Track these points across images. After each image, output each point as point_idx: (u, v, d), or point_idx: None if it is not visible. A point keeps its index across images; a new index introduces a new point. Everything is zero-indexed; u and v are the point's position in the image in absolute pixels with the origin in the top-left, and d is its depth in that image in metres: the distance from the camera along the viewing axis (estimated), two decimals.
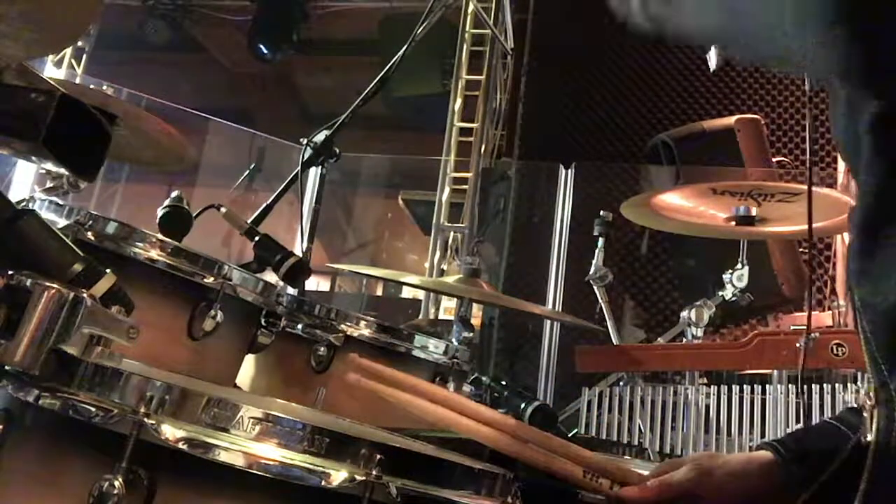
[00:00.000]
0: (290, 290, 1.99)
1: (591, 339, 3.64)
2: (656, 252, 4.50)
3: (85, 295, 0.95)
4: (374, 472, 0.90)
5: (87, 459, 0.92)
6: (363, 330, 1.87)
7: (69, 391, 0.93)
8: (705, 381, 2.94)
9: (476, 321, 4.42)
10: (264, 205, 2.34)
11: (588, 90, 5.15)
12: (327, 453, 0.92)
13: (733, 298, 3.06)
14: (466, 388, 2.09)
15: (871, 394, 0.80)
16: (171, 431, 0.88)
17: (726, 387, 2.71)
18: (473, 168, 6.00)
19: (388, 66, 2.47)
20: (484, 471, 1.05)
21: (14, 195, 1.43)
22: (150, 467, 0.88)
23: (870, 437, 0.79)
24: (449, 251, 5.89)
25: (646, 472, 1.10)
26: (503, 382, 2.07)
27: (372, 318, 1.92)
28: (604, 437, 2.80)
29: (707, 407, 2.71)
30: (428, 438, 1.31)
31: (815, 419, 2.57)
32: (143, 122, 2.08)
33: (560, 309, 4.28)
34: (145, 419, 0.88)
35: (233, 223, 1.94)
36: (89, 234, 1.50)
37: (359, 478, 0.90)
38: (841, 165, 3.94)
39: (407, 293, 7.72)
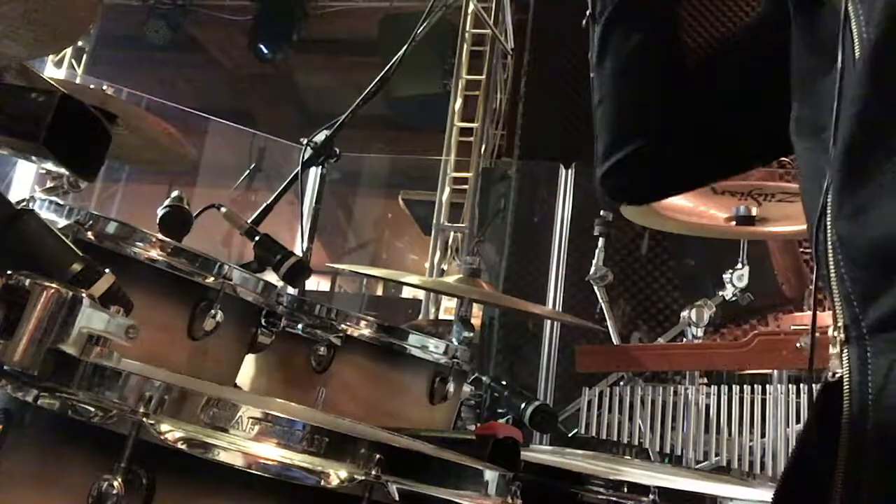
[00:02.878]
0: (291, 290, 1.99)
1: (592, 339, 3.64)
2: (656, 252, 4.50)
3: (84, 294, 0.95)
4: (373, 472, 0.90)
5: (87, 459, 0.92)
6: (363, 330, 1.87)
7: (68, 391, 0.93)
8: (705, 381, 2.94)
9: (476, 321, 4.42)
10: (264, 205, 2.34)
11: (588, 90, 5.14)
12: (327, 453, 0.92)
13: (733, 298, 3.06)
14: (466, 388, 2.09)
15: (841, 332, 0.77)
16: (170, 431, 0.88)
17: (726, 387, 2.71)
18: (473, 168, 6.00)
19: (388, 66, 2.47)
20: (484, 471, 1.05)
21: (14, 195, 1.43)
22: (150, 467, 0.88)
23: (839, 374, 0.77)
24: (449, 251, 5.89)
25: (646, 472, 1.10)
26: (503, 382, 2.07)
27: (372, 318, 1.92)
28: (604, 437, 2.80)
29: (707, 407, 2.71)
30: (428, 438, 1.31)
31: None
32: (143, 122, 2.08)
33: (560, 309, 4.28)
34: (144, 419, 0.88)
35: (233, 223, 1.94)
36: (89, 234, 1.50)
37: (358, 478, 0.90)
38: None
39: (407, 293, 7.72)
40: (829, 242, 0.76)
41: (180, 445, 0.88)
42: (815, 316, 0.90)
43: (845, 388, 0.75)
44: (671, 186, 1.15)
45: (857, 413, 0.73)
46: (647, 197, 1.24)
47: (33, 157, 1.11)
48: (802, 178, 0.86)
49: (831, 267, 0.76)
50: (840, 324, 0.77)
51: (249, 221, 2.01)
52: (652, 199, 1.32)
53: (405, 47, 2.44)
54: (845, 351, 0.76)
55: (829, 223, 0.76)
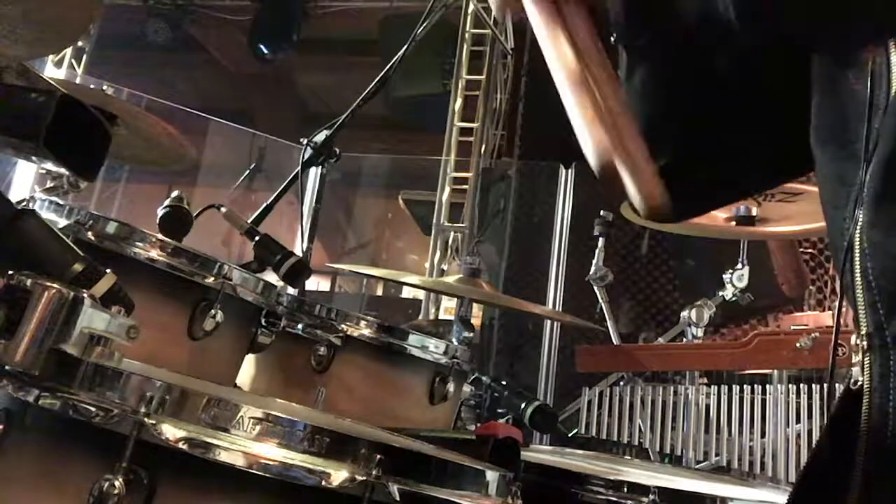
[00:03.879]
0: (291, 290, 1.99)
1: (592, 339, 3.64)
2: (656, 252, 4.50)
3: (85, 295, 0.95)
4: (374, 472, 0.90)
5: (87, 459, 0.92)
6: (363, 330, 1.87)
7: (69, 391, 0.93)
8: (705, 381, 2.94)
9: (476, 321, 4.42)
10: (264, 205, 2.34)
11: None
12: (327, 453, 0.92)
13: (733, 298, 3.06)
14: (466, 388, 2.09)
15: (864, 340, 0.75)
16: (171, 431, 0.88)
17: (726, 387, 2.71)
18: (473, 168, 6.00)
19: (388, 66, 2.47)
20: (484, 471, 1.05)
21: (14, 195, 1.43)
22: (151, 467, 0.88)
23: (860, 382, 0.76)
24: (449, 251, 5.89)
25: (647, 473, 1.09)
26: (503, 382, 2.07)
27: (372, 318, 1.92)
28: (604, 437, 2.81)
29: (707, 407, 2.72)
30: (428, 438, 1.31)
31: (815, 419, 2.57)
32: (143, 122, 2.08)
33: (560, 309, 4.28)
34: (145, 419, 0.88)
35: (233, 223, 1.94)
36: (89, 234, 1.50)
37: (359, 478, 0.90)
38: None
39: (407, 293, 7.72)
40: (858, 249, 0.75)
41: (181, 445, 0.88)
42: (838, 319, 0.88)
43: (865, 397, 0.73)
44: (699, 203, 1.13)
45: (876, 423, 0.72)
46: (676, 215, 1.22)
47: (33, 157, 1.11)
48: (822, 184, 0.85)
49: (857, 273, 0.75)
50: (863, 331, 0.75)
51: (249, 221, 2.01)
52: (680, 216, 1.29)
53: (405, 47, 2.44)
54: (867, 359, 0.74)
55: (858, 230, 0.75)
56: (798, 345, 2.50)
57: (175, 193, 1.88)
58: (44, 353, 0.92)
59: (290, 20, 7.87)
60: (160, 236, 1.59)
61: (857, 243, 0.75)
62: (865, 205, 0.74)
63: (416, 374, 1.92)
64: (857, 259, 0.75)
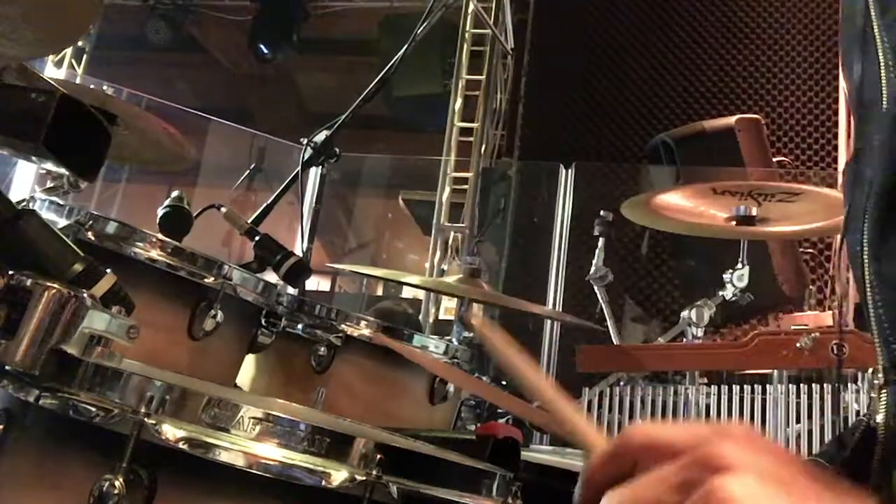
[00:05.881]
0: (291, 290, 1.99)
1: (592, 339, 3.64)
2: (656, 252, 4.50)
3: (85, 295, 0.95)
4: (374, 472, 0.90)
5: (88, 459, 0.92)
6: (363, 330, 1.87)
7: (69, 391, 0.93)
8: (705, 381, 2.94)
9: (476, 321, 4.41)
10: (264, 205, 2.34)
11: (588, 90, 5.16)
12: (327, 453, 0.92)
13: (733, 298, 3.06)
14: None
15: (880, 374, 0.73)
16: (171, 431, 0.88)
17: (726, 387, 2.71)
18: (473, 168, 6.00)
19: (388, 66, 2.47)
20: (484, 471, 1.05)
21: (14, 195, 1.42)
22: (151, 467, 0.88)
23: (879, 419, 0.73)
24: (449, 251, 5.88)
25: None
26: (503, 382, 2.07)
27: (372, 319, 1.92)
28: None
29: (707, 407, 2.72)
30: (428, 438, 1.31)
31: (815, 419, 2.57)
32: (143, 122, 2.08)
33: (560, 309, 4.28)
34: (146, 419, 0.87)
35: (233, 223, 1.94)
36: (89, 234, 1.50)
37: (359, 478, 0.90)
38: (841, 164, 3.95)
39: (407, 293, 7.72)
40: (867, 281, 0.73)
41: (182, 445, 0.88)
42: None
43: (880, 432, 0.72)
44: None
45: (889, 458, 0.71)
46: None
47: (33, 157, 1.11)
48: (846, 216, 0.83)
49: (870, 306, 0.73)
50: (879, 366, 0.73)
51: (249, 221, 2.01)
52: None
53: (405, 47, 2.44)
54: (883, 394, 0.72)
55: (866, 259, 0.73)
56: (798, 345, 2.50)
57: (175, 193, 1.88)
58: (44, 353, 0.92)
59: (290, 20, 7.87)
60: (160, 236, 1.59)
61: (867, 274, 0.73)
62: (866, 234, 0.73)
63: (416, 374, 1.92)
64: (868, 291, 0.73)
